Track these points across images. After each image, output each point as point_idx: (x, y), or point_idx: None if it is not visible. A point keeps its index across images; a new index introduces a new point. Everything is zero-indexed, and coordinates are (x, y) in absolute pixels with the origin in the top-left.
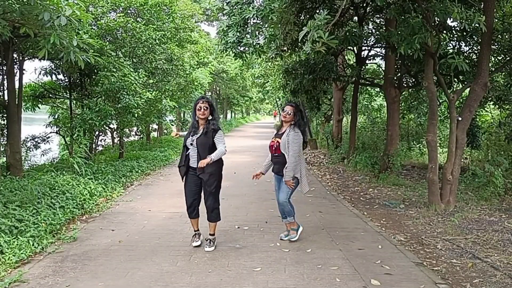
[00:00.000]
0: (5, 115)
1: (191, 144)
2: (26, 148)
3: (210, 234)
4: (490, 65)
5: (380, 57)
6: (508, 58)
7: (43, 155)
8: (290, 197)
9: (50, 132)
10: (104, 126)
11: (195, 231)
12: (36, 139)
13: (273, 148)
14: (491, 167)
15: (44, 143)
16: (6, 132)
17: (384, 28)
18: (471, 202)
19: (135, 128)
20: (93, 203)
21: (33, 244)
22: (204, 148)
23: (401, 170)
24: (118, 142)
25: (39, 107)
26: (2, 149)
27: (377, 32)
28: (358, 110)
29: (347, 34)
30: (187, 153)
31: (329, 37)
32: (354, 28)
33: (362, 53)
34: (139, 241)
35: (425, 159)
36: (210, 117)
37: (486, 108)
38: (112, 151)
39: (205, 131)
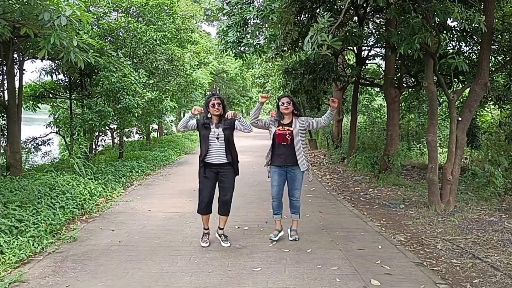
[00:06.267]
0: (5, 115)
1: (217, 138)
2: (26, 149)
3: (220, 228)
4: (490, 65)
5: (380, 57)
6: (508, 58)
7: (44, 157)
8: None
9: (50, 132)
10: (104, 126)
11: (205, 229)
12: (36, 141)
13: (283, 137)
14: (491, 167)
15: (45, 145)
16: (6, 132)
17: (384, 28)
18: (471, 202)
19: (135, 129)
20: (93, 203)
21: (33, 244)
22: (230, 141)
23: (401, 170)
24: (118, 142)
25: (39, 107)
26: (2, 150)
27: (377, 32)
28: (358, 110)
29: (347, 34)
30: (208, 147)
31: (332, 39)
32: (354, 28)
33: (362, 53)
34: (139, 241)
35: (425, 159)
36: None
37: (486, 108)
38: (112, 151)
39: (227, 125)
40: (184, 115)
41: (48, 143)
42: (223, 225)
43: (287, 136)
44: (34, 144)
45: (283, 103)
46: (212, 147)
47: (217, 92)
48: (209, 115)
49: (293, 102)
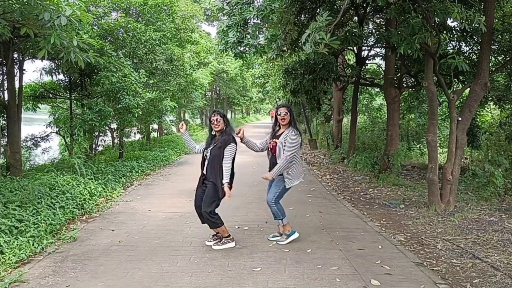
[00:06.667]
0: (5, 115)
1: (206, 155)
2: (26, 147)
3: (216, 233)
4: (490, 65)
5: (380, 57)
6: (508, 58)
7: (44, 153)
8: (279, 199)
9: (51, 132)
10: (104, 126)
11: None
12: (36, 138)
13: (270, 148)
14: (491, 167)
15: (44, 142)
16: (6, 132)
17: (384, 28)
18: (471, 202)
19: (135, 129)
20: (93, 203)
21: (33, 244)
22: (214, 159)
23: (401, 170)
24: (118, 142)
25: (39, 107)
26: (2, 150)
27: (377, 32)
28: (358, 110)
29: (347, 34)
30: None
31: (331, 38)
32: (354, 28)
33: (362, 53)
34: (139, 241)
35: (425, 159)
36: (225, 127)
37: (486, 108)
38: (112, 151)
39: (219, 142)
40: (184, 115)
41: (47, 139)
42: (221, 232)
43: (271, 148)
44: (34, 142)
45: (280, 114)
46: (206, 161)
47: (218, 91)
48: (213, 132)
49: (290, 112)
